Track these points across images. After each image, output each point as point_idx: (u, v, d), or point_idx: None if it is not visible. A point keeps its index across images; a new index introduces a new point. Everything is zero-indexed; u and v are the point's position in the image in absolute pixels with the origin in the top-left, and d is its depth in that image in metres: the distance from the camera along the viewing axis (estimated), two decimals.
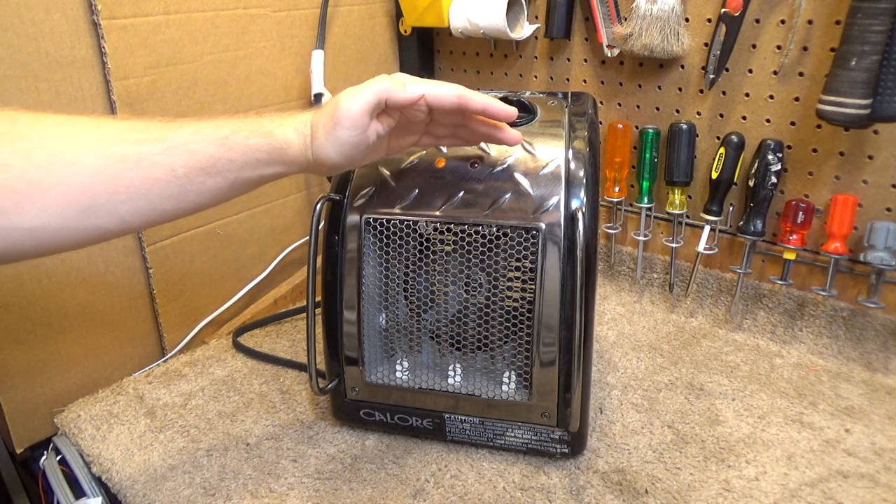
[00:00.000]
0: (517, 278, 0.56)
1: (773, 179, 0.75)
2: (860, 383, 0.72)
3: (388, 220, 0.58)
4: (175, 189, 0.44)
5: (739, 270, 0.80)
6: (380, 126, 0.48)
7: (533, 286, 0.55)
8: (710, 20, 0.78)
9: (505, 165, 0.56)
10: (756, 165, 0.76)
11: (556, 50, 0.92)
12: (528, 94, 0.67)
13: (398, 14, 1.01)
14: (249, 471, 0.62)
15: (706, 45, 0.78)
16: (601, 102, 0.91)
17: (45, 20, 0.63)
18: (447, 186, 0.57)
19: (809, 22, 0.71)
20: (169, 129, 0.45)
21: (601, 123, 0.90)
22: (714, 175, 0.79)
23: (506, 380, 0.60)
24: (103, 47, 0.67)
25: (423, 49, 1.04)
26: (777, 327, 0.80)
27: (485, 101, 0.49)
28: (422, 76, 0.49)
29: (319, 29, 0.90)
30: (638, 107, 0.87)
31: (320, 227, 0.59)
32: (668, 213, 0.84)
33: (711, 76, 0.77)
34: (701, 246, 0.82)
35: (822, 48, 0.71)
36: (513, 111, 0.51)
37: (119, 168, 0.42)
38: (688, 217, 0.86)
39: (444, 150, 0.58)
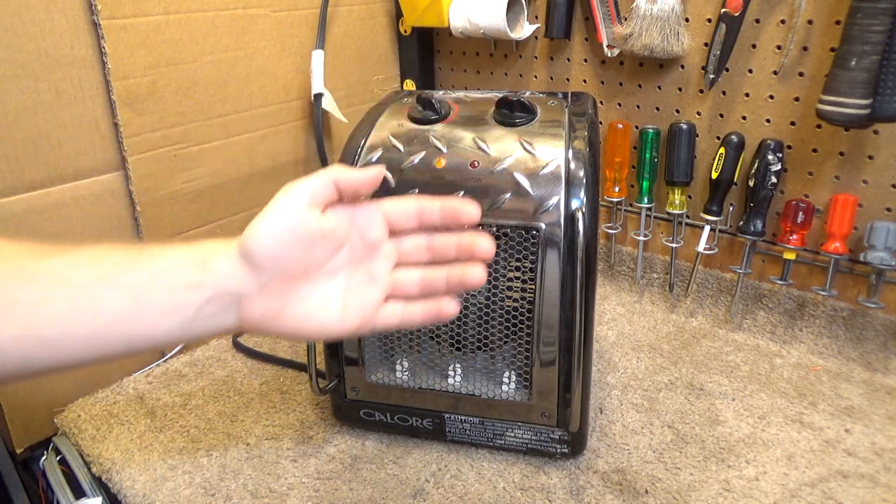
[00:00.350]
0: (517, 278, 0.56)
1: (773, 179, 0.75)
2: (860, 383, 0.72)
3: None
4: (66, 306, 0.36)
5: (739, 270, 0.80)
6: (327, 219, 0.40)
7: (533, 286, 0.55)
8: (710, 20, 0.78)
9: (505, 165, 0.56)
10: (756, 165, 0.76)
11: (556, 50, 0.92)
12: (528, 94, 0.67)
13: (398, 14, 1.01)
14: (249, 471, 0.62)
15: (706, 45, 0.78)
16: (601, 102, 0.91)
17: (45, 20, 0.63)
18: (447, 186, 0.57)
19: (809, 22, 0.71)
20: (79, 246, 0.39)
21: (601, 123, 0.90)
22: (714, 175, 0.79)
23: (506, 380, 0.60)
24: (103, 47, 0.67)
25: (423, 49, 1.04)
26: (777, 327, 0.80)
27: (443, 202, 0.42)
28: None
29: (319, 29, 0.90)
30: (638, 107, 0.87)
31: None
32: (668, 213, 0.84)
33: (711, 76, 0.77)
34: (701, 246, 0.82)
35: (822, 48, 0.71)
36: (475, 211, 0.42)
37: (11, 284, 0.36)
38: (688, 217, 0.86)
39: (444, 150, 0.58)
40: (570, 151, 0.57)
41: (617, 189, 0.88)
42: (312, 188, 0.40)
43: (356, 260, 0.42)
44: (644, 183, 0.86)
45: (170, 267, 0.38)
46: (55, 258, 0.37)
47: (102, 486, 0.64)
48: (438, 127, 0.60)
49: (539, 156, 0.56)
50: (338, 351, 0.62)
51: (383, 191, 0.58)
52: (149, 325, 0.38)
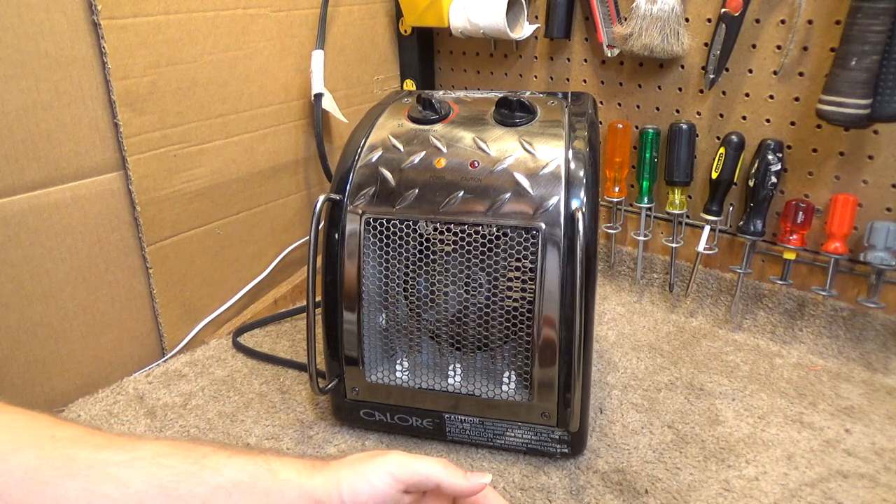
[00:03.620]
0: (517, 278, 0.56)
1: (773, 179, 0.75)
2: (860, 383, 0.72)
3: (388, 220, 0.58)
4: None
5: (739, 270, 0.80)
6: (407, 497, 0.41)
7: (533, 286, 0.55)
8: (710, 20, 0.78)
9: (505, 165, 0.56)
10: (756, 165, 0.76)
11: (556, 50, 0.92)
12: (528, 94, 0.67)
13: (398, 14, 1.01)
14: None
15: (706, 45, 0.78)
16: (601, 102, 0.91)
17: (45, 20, 0.63)
18: (447, 186, 0.57)
19: (809, 22, 0.71)
20: (138, 438, 0.38)
21: (601, 123, 0.90)
22: (714, 175, 0.79)
23: (506, 380, 0.60)
24: (103, 47, 0.67)
25: (423, 49, 1.04)
26: (777, 327, 0.80)
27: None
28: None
29: (319, 29, 0.90)
30: (638, 107, 0.87)
31: (320, 227, 0.59)
32: (668, 213, 0.84)
33: (711, 76, 0.77)
34: (701, 246, 0.82)
35: (822, 48, 0.71)
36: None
37: (57, 475, 0.33)
38: (688, 217, 0.86)
39: (444, 150, 0.58)
40: (570, 151, 0.57)
41: (617, 189, 0.88)
42: (417, 479, 0.41)
43: None
44: (644, 183, 0.86)
45: (229, 486, 0.37)
46: (111, 451, 0.35)
47: None
48: (438, 127, 0.61)
49: (539, 156, 0.56)
50: (338, 351, 0.62)
51: (383, 190, 0.58)
52: None
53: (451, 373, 0.61)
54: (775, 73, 0.75)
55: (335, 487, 0.39)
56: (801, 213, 0.75)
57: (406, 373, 0.62)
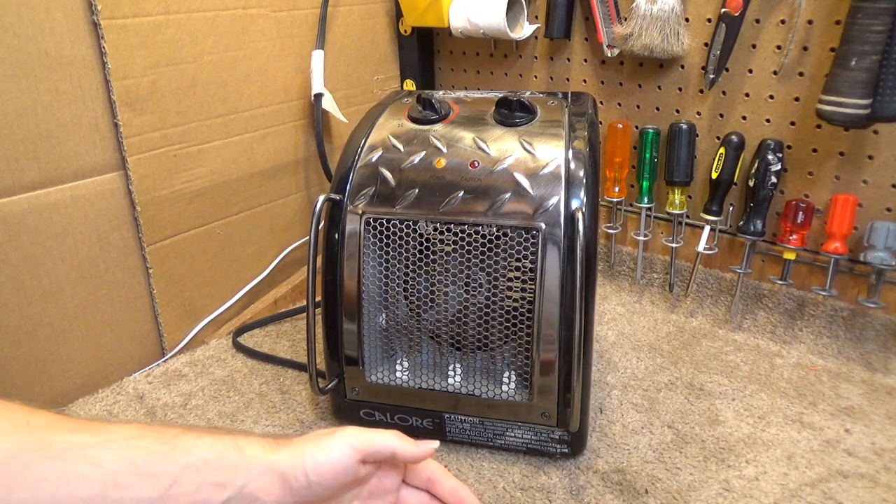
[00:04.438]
0: (517, 278, 0.56)
1: (773, 179, 0.75)
2: (860, 383, 0.72)
3: (388, 220, 0.58)
4: (93, 489, 0.35)
5: (739, 270, 0.80)
6: (365, 468, 0.45)
7: (533, 286, 0.55)
8: (710, 20, 0.78)
9: (505, 165, 0.56)
10: (756, 165, 0.76)
11: (556, 50, 0.92)
12: (528, 94, 0.67)
13: (398, 14, 1.01)
14: None
15: (706, 45, 0.78)
16: (601, 102, 0.91)
17: (45, 20, 0.63)
18: (447, 186, 0.57)
19: (809, 22, 0.71)
20: (110, 422, 0.39)
21: (601, 123, 0.90)
22: (714, 175, 0.79)
23: (506, 380, 0.60)
24: (103, 47, 0.67)
25: (423, 49, 1.04)
26: (777, 327, 0.80)
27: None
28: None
29: (319, 29, 0.90)
30: (638, 107, 0.87)
31: (320, 227, 0.59)
32: (668, 213, 0.84)
33: (711, 76, 0.77)
34: (701, 246, 0.82)
35: (822, 48, 0.71)
36: None
37: (37, 458, 0.35)
38: (688, 217, 0.86)
39: (444, 150, 0.58)
40: (570, 151, 0.57)
41: (617, 189, 0.88)
42: (374, 449, 0.44)
43: (366, 497, 0.47)
44: (644, 183, 0.86)
45: (199, 463, 0.38)
46: (85, 434, 0.37)
47: None
48: (438, 127, 0.61)
49: (539, 156, 0.56)
50: (338, 351, 0.62)
51: (383, 190, 0.58)
52: None
53: (451, 373, 0.61)
54: (775, 73, 0.75)
55: (299, 461, 0.41)
56: (801, 213, 0.75)
57: (406, 373, 0.62)
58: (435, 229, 0.57)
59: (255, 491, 0.40)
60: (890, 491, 0.57)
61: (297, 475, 0.41)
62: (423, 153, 0.59)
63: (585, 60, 0.90)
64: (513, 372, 0.60)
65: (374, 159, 0.59)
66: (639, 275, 0.91)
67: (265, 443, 0.42)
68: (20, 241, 0.65)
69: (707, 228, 0.81)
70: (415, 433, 0.64)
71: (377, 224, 0.58)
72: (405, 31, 1.03)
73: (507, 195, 0.55)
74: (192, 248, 0.81)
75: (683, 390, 0.71)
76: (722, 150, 0.78)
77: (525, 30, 0.92)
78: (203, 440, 0.40)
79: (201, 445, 0.39)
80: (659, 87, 0.85)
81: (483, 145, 0.58)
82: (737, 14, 0.73)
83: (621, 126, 0.86)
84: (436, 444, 0.47)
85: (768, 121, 0.77)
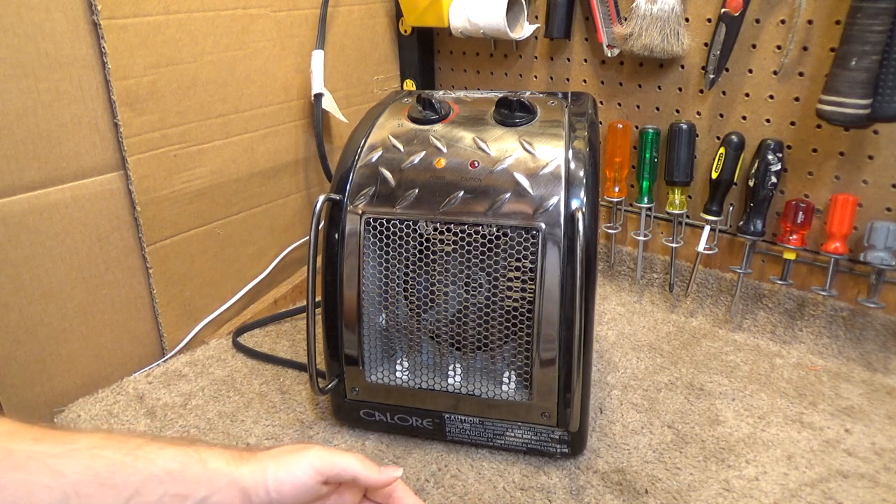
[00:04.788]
0: (517, 278, 0.56)
1: (773, 179, 0.75)
2: (860, 383, 0.72)
3: (388, 220, 0.58)
4: (53, 500, 0.35)
5: (739, 270, 0.80)
6: (326, 488, 0.46)
7: (533, 286, 0.55)
8: (710, 20, 0.78)
9: (505, 165, 0.56)
10: (756, 165, 0.76)
11: (556, 50, 0.92)
12: (528, 94, 0.67)
13: (398, 14, 1.01)
14: None
15: (706, 45, 0.78)
16: (601, 102, 0.91)
17: (45, 20, 0.63)
18: (447, 186, 0.57)
19: (809, 22, 0.71)
20: (74, 431, 0.39)
21: (601, 123, 0.90)
22: (714, 175, 0.79)
23: (506, 380, 0.60)
24: (103, 47, 0.67)
25: (423, 49, 1.04)
26: (777, 327, 0.80)
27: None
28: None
29: (319, 29, 0.90)
30: (638, 107, 0.87)
31: (320, 227, 0.59)
32: (668, 213, 0.84)
33: (711, 76, 0.77)
34: (701, 246, 0.82)
35: (822, 48, 0.71)
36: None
37: (2, 467, 0.35)
38: (688, 217, 0.86)
39: (444, 149, 0.58)
40: (570, 151, 0.57)
41: (617, 189, 0.88)
42: (336, 472, 0.44)
43: None
44: (644, 183, 0.86)
45: (161, 474, 0.39)
46: (48, 444, 0.37)
47: None
48: (438, 127, 0.61)
49: (539, 156, 0.56)
50: (338, 351, 0.62)
51: (383, 190, 0.58)
52: None
53: (451, 373, 0.61)
54: (775, 73, 0.75)
55: (261, 476, 0.42)
56: (801, 213, 0.75)
57: (406, 373, 0.62)
58: (435, 229, 0.57)
59: (216, 503, 0.40)
60: (890, 491, 0.57)
61: (259, 491, 0.42)
62: (423, 153, 0.59)
63: (585, 60, 0.90)
64: (513, 372, 0.60)
65: (374, 159, 0.59)
66: (639, 275, 0.91)
67: (228, 455, 0.42)
68: (20, 241, 0.65)
69: (707, 228, 0.81)
70: (415, 433, 0.64)
71: (377, 224, 0.58)
72: (405, 31, 1.03)
73: (507, 195, 0.55)
74: (192, 248, 0.81)
75: (683, 390, 0.71)
76: (722, 150, 0.78)
77: (525, 30, 0.92)
78: (166, 451, 0.40)
79: (164, 456, 0.40)
80: (659, 87, 0.85)
81: (483, 145, 0.58)
82: (737, 14, 0.73)
83: (621, 126, 0.86)
84: (399, 471, 0.48)
85: (768, 121, 0.77)
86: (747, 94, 0.78)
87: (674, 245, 0.85)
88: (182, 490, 0.39)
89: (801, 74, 0.73)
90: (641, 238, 0.88)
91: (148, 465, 0.39)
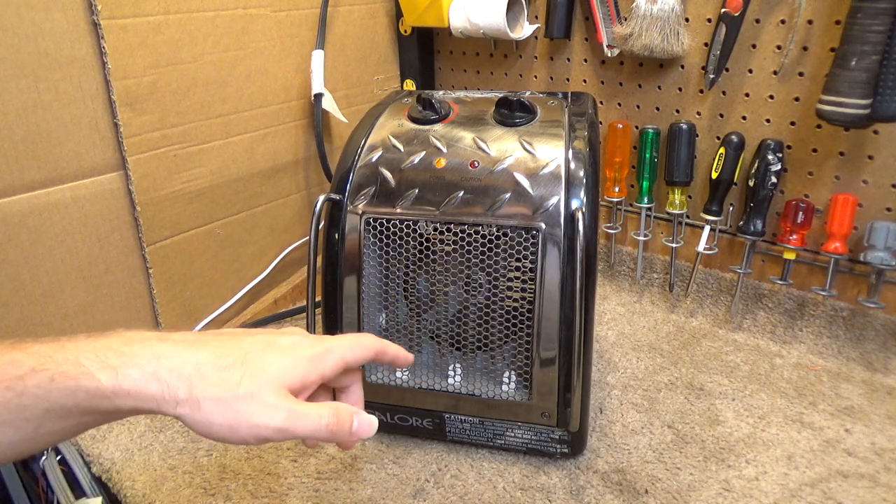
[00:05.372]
0: (517, 278, 0.56)
1: (773, 179, 0.75)
2: (860, 383, 0.72)
3: (388, 220, 0.58)
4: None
5: (739, 270, 0.80)
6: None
7: (533, 286, 0.55)
8: (710, 20, 0.78)
9: (505, 165, 0.56)
10: (756, 165, 0.76)
11: (556, 50, 0.92)
12: (528, 94, 0.67)
13: (398, 14, 1.01)
14: (249, 471, 0.62)
15: (706, 45, 0.78)
16: (601, 102, 0.91)
17: (45, 20, 0.63)
18: (447, 186, 0.57)
19: (809, 22, 0.71)
20: None
21: (601, 123, 0.90)
22: (714, 175, 0.79)
23: (506, 380, 0.60)
24: (103, 47, 0.67)
25: (423, 49, 1.04)
26: (777, 327, 0.80)
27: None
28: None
29: (319, 29, 0.90)
30: (638, 107, 0.87)
31: (320, 227, 0.59)
32: (668, 213, 0.84)
33: (711, 76, 0.77)
34: (701, 246, 0.82)
35: (822, 48, 0.71)
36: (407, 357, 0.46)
37: None
38: (688, 217, 0.86)
39: (444, 149, 0.58)
40: (570, 151, 0.57)
41: (617, 189, 0.88)
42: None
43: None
44: (644, 183, 0.86)
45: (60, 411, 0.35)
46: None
47: (102, 486, 0.64)
48: (438, 127, 0.61)
49: (539, 156, 0.56)
50: None
51: (383, 190, 0.58)
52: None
53: (451, 373, 0.61)
54: (775, 73, 0.75)
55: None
56: (801, 213, 0.75)
57: (406, 373, 0.62)
58: (435, 229, 0.57)
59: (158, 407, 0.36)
60: (890, 491, 0.57)
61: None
62: (423, 153, 0.59)
63: (585, 60, 0.90)
64: (513, 372, 0.60)
65: (374, 159, 0.59)
66: (639, 275, 0.91)
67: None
68: (20, 241, 0.65)
69: (707, 228, 0.81)
70: (415, 433, 0.64)
71: (377, 224, 0.58)
72: (405, 31, 1.03)
73: (507, 195, 0.55)
74: (192, 248, 0.81)
75: (683, 390, 0.71)
76: (722, 150, 0.78)
77: (525, 30, 0.92)
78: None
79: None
80: (659, 87, 0.85)
81: (483, 145, 0.58)
82: (737, 14, 0.73)
83: (621, 126, 0.86)
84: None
85: (768, 121, 0.77)
86: (747, 94, 0.78)
87: (674, 245, 0.85)
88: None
89: (801, 74, 0.73)
90: (641, 238, 0.88)
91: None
